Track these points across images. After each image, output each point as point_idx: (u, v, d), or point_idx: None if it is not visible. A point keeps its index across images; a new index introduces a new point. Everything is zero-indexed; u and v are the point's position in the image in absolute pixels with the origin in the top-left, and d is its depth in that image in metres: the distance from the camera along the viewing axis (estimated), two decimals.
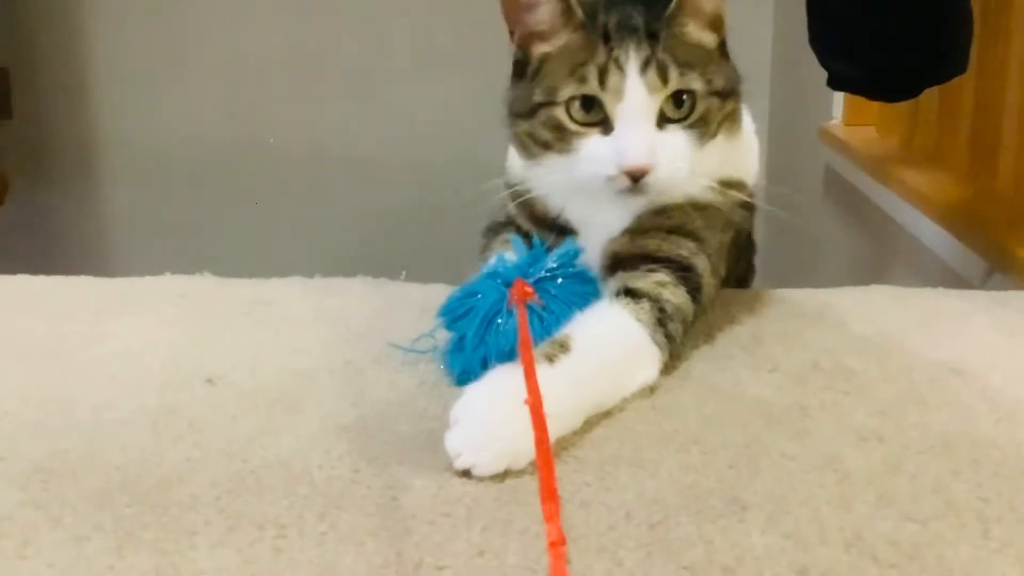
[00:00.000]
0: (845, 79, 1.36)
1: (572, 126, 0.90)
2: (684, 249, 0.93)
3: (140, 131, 2.75)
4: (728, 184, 0.96)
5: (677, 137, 0.89)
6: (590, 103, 0.89)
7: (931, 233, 1.60)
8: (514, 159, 0.99)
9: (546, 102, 0.90)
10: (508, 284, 0.88)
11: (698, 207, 0.95)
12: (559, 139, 0.91)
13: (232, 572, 0.62)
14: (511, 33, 0.94)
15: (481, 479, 0.71)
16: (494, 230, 1.05)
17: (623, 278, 0.91)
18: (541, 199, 0.99)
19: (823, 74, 1.36)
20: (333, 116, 2.71)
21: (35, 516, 0.67)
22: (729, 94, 0.93)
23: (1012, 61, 1.46)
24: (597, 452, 0.75)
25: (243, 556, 0.63)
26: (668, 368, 0.87)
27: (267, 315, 1.05)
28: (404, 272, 1.12)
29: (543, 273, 0.89)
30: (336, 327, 1.00)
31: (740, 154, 1.01)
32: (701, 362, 0.91)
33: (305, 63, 2.69)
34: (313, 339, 0.97)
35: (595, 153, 0.89)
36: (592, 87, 0.88)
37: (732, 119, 0.95)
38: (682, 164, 0.89)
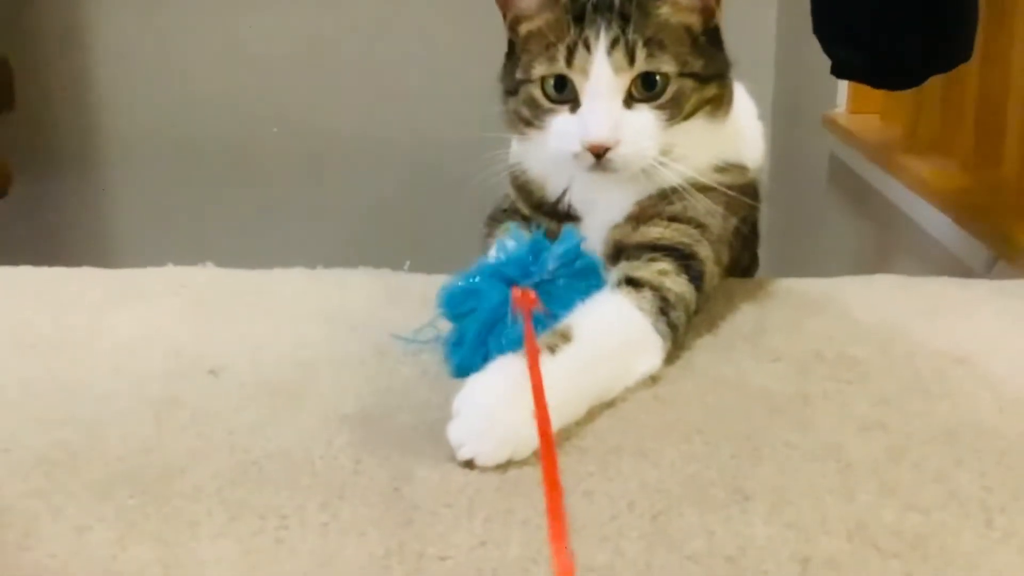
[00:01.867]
0: (849, 67, 1.36)
1: (545, 103, 0.93)
2: (686, 237, 0.93)
3: (142, 121, 2.74)
4: (728, 167, 0.97)
5: (643, 116, 0.91)
6: (562, 82, 0.92)
7: (935, 221, 1.59)
8: (514, 142, 1.00)
9: (524, 80, 0.94)
10: (511, 283, 0.85)
11: (700, 190, 0.95)
12: (535, 116, 0.94)
13: (234, 562, 0.62)
14: (503, 15, 0.98)
15: (483, 470, 0.71)
16: (496, 219, 1.05)
17: (625, 267, 0.91)
18: (539, 184, 1.00)
19: (827, 62, 1.35)
20: (336, 106, 2.71)
21: (37, 506, 0.67)
22: (711, 78, 0.94)
23: (1017, 49, 1.45)
24: (600, 442, 0.75)
25: (245, 546, 0.63)
26: (671, 357, 0.87)
27: (269, 306, 1.05)
28: (408, 263, 1.12)
29: (545, 275, 0.86)
30: (338, 318, 0.99)
31: (739, 138, 1.01)
32: (704, 352, 0.91)
33: (308, 52, 2.68)
34: (315, 330, 0.97)
35: (562, 129, 0.92)
36: (560, 66, 0.91)
37: (716, 103, 0.95)
38: (647, 143, 0.91)
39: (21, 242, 2.61)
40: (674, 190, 0.94)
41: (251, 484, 0.70)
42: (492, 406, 0.73)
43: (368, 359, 0.90)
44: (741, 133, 1.02)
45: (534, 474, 0.69)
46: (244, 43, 2.68)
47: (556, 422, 0.72)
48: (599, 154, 0.90)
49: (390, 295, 1.05)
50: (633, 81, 0.90)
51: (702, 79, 0.93)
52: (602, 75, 0.90)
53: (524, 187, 1.01)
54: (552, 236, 0.92)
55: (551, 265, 0.86)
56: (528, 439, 0.71)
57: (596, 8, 0.91)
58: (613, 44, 0.90)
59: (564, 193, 0.99)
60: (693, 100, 0.92)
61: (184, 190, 2.76)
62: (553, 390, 0.72)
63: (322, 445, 0.74)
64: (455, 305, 0.87)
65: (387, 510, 0.66)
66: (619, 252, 0.94)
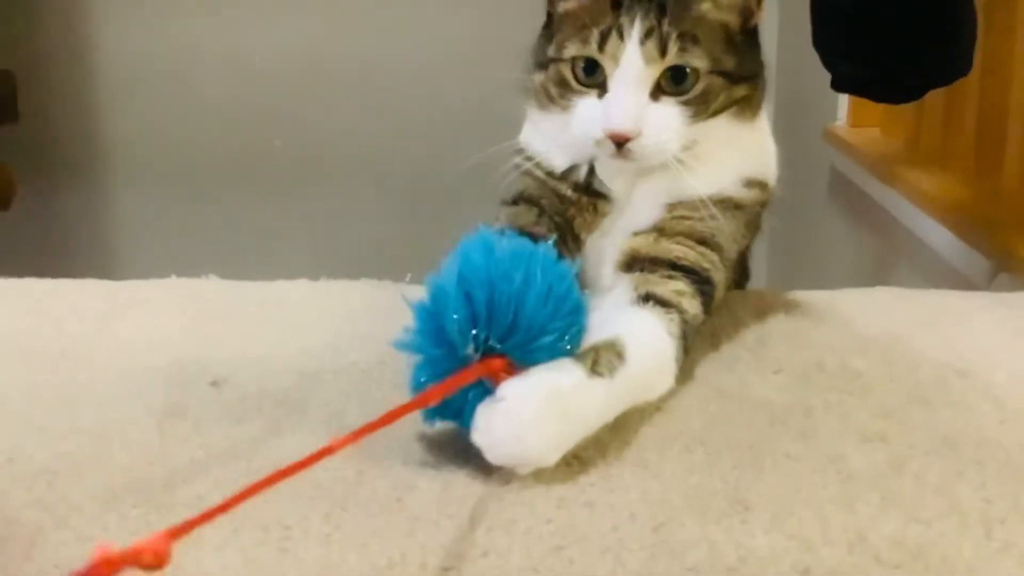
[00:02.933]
0: (849, 81, 1.36)
1: (574, 84, 0.93)
2: (707, 262, 0.92)
3: (146, 134, 2.76)
4: (753, 183, 0.97)
5: (669, 109, 0.90)
6: (592, 66, 0.91)
7: (936, 234, 1.60)
8: (528, 132, 1.00)
9: (556, 58, 0.94)
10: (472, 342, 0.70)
11: (727, 207, 0.94)
12: (562, 95, 0.94)
13: (238, 573, 0.62)
14: None
15: (485, 480, 0.71)
16: (507, 203, 1.02)
17: (644, 280, 0.89)
18: (550, 160, 0.99)
19: (828, 75, 1.36)
20: (339, 119, 2.72)
21: (41, 517, 0.67)
22: (742, 79, 0.93)
23: (1016, 62, 1.46)
24: (601, 453, 0.75)
25: (248, 557, 0.63)
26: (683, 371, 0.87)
27: (272, 317, 1.05)
28: (409, 275, 1.13)
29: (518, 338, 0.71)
30: (341, 329, 1.00)
31: (763, 152, 1.01)
32: (705, 363, 0.91)
33: (311, 65, 2.70)
34: (318, 341, 0.97)
35: (586, 114, 0.92)
36: (592, 50, 0.91)
37: (745, 105, 0.94)
38: (669, 136, 0.90)
39: (25, 253, 2.62)
40: (704, 203, 0.93)
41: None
42: (523, 414, 0.69)
43: (370, 370, 0.90)
44: (764, 147, 1.01)
45: (537, 485, 0.70)
46: (247, 55, 2.69)
47: (571, 442, 0.71)
48: (620, 143, 0.89)
49: (393, 306, 1.05)
50: (663, 73, 0.90)
51: (733, 79, 0.92)
52: (632, 64, 0.89)
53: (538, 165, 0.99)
54: (576, 211, 0.93)
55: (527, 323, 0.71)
56: (556, 448, 0.70)
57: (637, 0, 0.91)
58: (647, 34, 0.89)
59: (584, 169, 0.97)
60: (721, 98, 0.92)
61: (187, 202, 2.76)
62: (604, 410, 0.73)
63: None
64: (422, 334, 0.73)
65: (389, 520, 0.67)
66: (633, 261, 0.92)
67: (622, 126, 0.89)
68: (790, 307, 1.06)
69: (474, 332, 0.70)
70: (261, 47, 2.69)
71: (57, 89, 2.74)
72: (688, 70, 0.90)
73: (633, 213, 0.95)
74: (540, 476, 0.70)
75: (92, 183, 2.80)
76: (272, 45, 2.69)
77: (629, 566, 0.62)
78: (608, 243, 0.95)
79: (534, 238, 0.86)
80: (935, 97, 1.64)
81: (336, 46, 2.69)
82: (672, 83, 0.90)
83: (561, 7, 0.96)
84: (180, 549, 0.64)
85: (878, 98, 1.51)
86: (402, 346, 0.73)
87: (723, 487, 0.70)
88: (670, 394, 0.84)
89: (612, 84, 0.90)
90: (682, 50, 0.89)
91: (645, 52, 0.89)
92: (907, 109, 1.83)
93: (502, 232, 0.85)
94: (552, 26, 0.97)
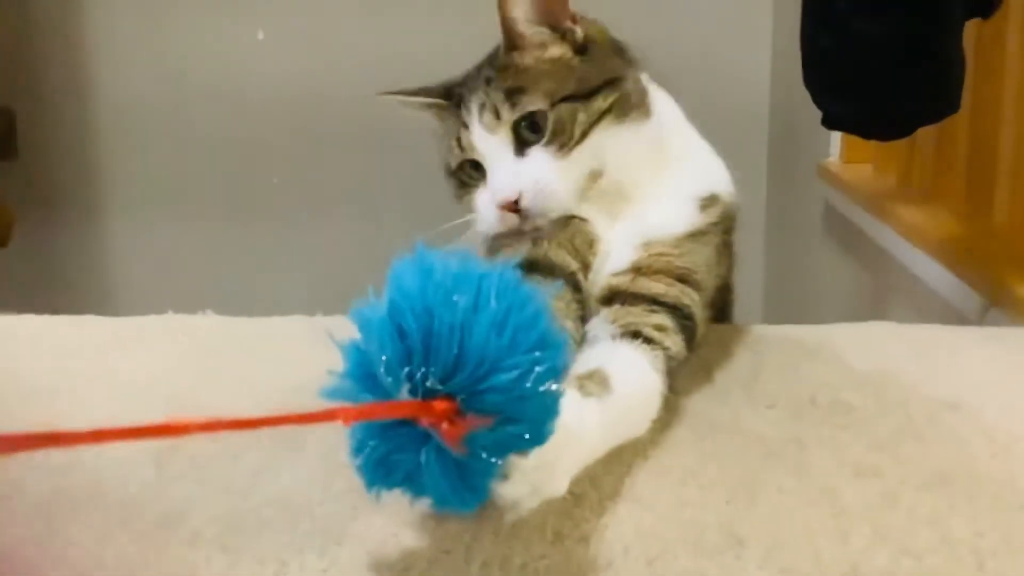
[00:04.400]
0: (839, 119, 1.38)
1: (470, 185, 0.99)
2: (687, 298, 0.93)
3: (143, 170, 2.77)
4: (707, 200, 0.99)
5: (536, 157, 0.94)
6: (475, 164, 0.98)
7: (929, 269, 1.61)
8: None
9: (451, 173, 1.02)
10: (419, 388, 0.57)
11: (695, 238, 0.96)
12: (461, 197, 1.01)
13: None
14: None
15: (480, 515, 0.70)
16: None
17: (626, 313, 0.90)
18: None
19: (820, 113, 1.37)
20: (336, 154, 2.73)
21: (38, 553, 0.67)
22: (599, 89, 0.96)
23: (1006, 98, 1.48)
24: (595, 487, 0.75)
25: None
26: (666, 403, 0.88)
27: (269, 353, 1.06)
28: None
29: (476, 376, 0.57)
30: (336, 364, 1.00)
31: (704, 165, 1.02)
32: (699, 397, 0.92)
33: (308, 101, 2.71)
34: (313, 376, 0.97)
35: (480, 204, 0.98)
36: (457, 154, 0.99)
37: (620, 107, 0.96)
38: (548, 180, 0.94)
39: (23, 290, 2.62)
40: (677, 240, 0.95)
41: (250, 530, 0.70)
42: (548, 464, 0.63)
43: None
44: (702, 160, 1.03)
45: (531, 520, 0.70)
46: (244, 92, 2.71)
47: (571, 471, 0.70)
48: (515, 210, 0.93)
49: None
50: (516, 130, 0.94)
51: (583, 96, 0.95)
52: (483, 141, 0.96)
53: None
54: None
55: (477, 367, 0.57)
56: (568, 475, 0.69)
57: (469, 89, 0.98)
58: (481, 110, 0.95)
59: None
60: (581, 118, 0.94)
61: (184, 237, 2.77)
62: (602, 434, 0.73)
63: (320, 491, 0.75)
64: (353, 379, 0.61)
65: (385, 556, 0.67)
66: (614, 296, 0.93)
67: (504, 194, 0.94)
68: (783, 341, 1.07)
69: (407, 371, 0.57)
70: (258, 83, 2.71)
71: (55, 126, 2.76)
72: (535, 116, 0.94)
73: (613, 255, 0.96)
74: (535, 511, 0.70)
75: (90, 219, 2.81)
76: (269, 81, 2.70)
77: None
78: (590, 283, 0.96)
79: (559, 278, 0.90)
80: (927, 134, 1.66)
81: (333, 82, 2.71)
82: (531, 132, 0.94)
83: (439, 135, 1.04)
84: None
85: (868, 135, 1.52)
86: (330, 394, 0.61)
87: (717, 521, 0.71)
88: (663, 427, 0.85)
89: (487, 167, 0.96)
90: (513, 105, 0.94)
91: (486, 125, 0.95)
92: (900, 146, 1.85)
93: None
94: None
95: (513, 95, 0.94)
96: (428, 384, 0.57)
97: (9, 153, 2.69)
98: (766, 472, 0.78)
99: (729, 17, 2.63)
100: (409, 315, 0.57)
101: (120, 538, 0.69)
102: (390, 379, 0.57)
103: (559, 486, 0.68)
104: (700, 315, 0.94)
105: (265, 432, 0.85)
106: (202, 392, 0.95)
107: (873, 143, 1.99)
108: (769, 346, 1.05)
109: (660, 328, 0.89)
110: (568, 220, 0.96)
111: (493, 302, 0.58)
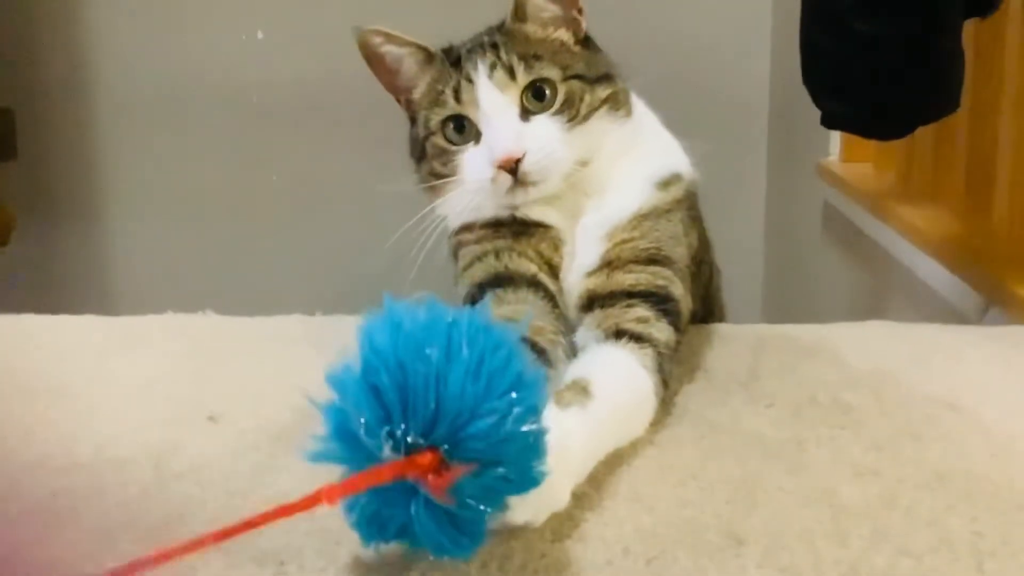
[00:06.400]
0: (838, 118, 1.38)
1: (450, 147, 0.97)
2: (661, 279, 0.94)
3: (143, 170, 2.77)
4: (667, 180, 1.00)
5: (543, 123, 0.95)
6: (460, 123, 0.96)
7: (928, 268, 1.61)
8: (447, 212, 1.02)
9: (427, 134, 0.99)
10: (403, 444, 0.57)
11: (657, 216, 0.97)
12: (445, 164, 0.98)
13: None
14: (398, 101, 1.05)
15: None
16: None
17: (606, 316, 0.91)
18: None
19: (819, 112, 1.37)
20: (336, 154, 2.73)
21: (37, 554, 0.67)
22: (598, 79, 0.98)
23: (1005, 97, 1.48)
24: (595, 487, 0.75)
25: None
26: (665, 403, 0.88)
27: (268, 352, 1.06)
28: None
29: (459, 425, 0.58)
30: (335, 364, 1.00)
31: (659, 143, 1.04)
32: (699, 397, 0.92)
33: (308, 100, 2.71)
34: (314, 376, 0.97)
35: (472, 162, 0.96)
36: (451, 106, 0.96)
37: (613, 102, 0.98)
38: (553, 147, 0.94)
39: (23, 290, 2.62)
40: (636, 218, 0.96)
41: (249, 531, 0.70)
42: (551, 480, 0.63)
43: None
44: (659, 142, 1.05)
45: None
46: (245, 92, 2.71)
47: (569, 484, 0.70)
48: (513, 171, 0.92)
49: None
50: (523, 95, 0.95)
51: (589, 80, 0.97)
52: (490, 98, 0.94)
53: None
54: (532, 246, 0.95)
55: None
56: (563, 493, 0.69)
57: (469, 51, 0.97)
58: (492, 68, 0.95)
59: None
60: (587, 99, 0.96)
61: (184, 237, 2.77)
62: (576, 444, 0.71)
63: None
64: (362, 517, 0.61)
65: (384, 556, 0.67)
66: (592, 302, 0.94)
67: (505, 149, 0.92)
68: (783, 341, 1.07)
69: (387, 430, 0.57)
70: (258, 83, 2.71)
71: (55, 126, 2.76)
72: (544, 84, 0.95)
73: (581, 254, 0.97)
74: None
75: (89, 219, 2.81)
76: (269, 81, 2.70)
77: None
78: (568, 288, 0.97)
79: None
80: (926, 133, 1.65)
81: (333, 81, 2.70)
82: (535, 100, 0.95)
83: (415, 97, 1.02)
84: None
85: (867, 134, 1.52)
86: (315, 457, 0.60)
87: (716, 521, 0.71)
88: (663, 428, 0.85)
89: (483, 125, 0.95)
90: (528, 68, 0.95)
91: (497, 82, 0.94)
92: (899, 145, 1.85)
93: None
94: (415, 119, 1.03)
95: (529, 60, 0.95)
96: (409, 439, 0.57)
97: (9, 153, 2.69)
98: (766, 472, 0.78)
99: (729, 16, 2.63)
100: (383, 372, 0.57)
101: (120, 540, 0.69)
102: (371, 440, 0.57)
103: (561, 499, 0.69)
104: (678, 291, 0.95)
105: (264, 434, 0.85)
106: (202, 392, 0.95)
107: (873, 142, 1.99)
108: (768, 345, 1.05)
109: (642, 320, 0.89)
110: (531, 228, 0.98)
111: (465, 350, 0.58)
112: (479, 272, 0.97)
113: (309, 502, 0.58)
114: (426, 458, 0.57)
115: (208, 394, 0.94)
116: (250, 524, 0.60)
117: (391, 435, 0.57)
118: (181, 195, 2.76)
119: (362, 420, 0.57)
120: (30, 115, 2.73)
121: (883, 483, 0.76)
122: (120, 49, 2.72)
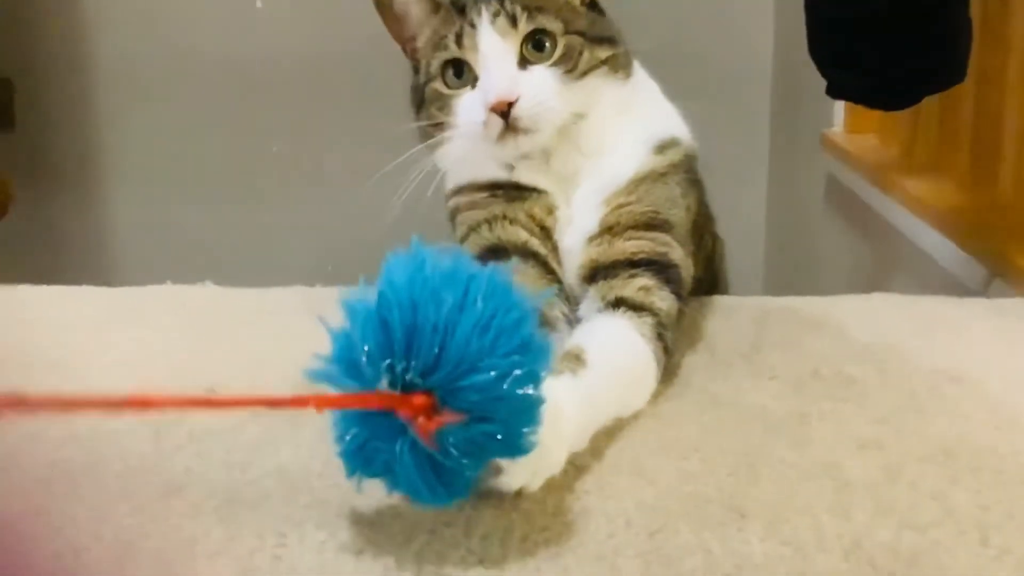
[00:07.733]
0: (844, 88, 1.36)
1: (447, 90, 0.98)
2: (661, 246, 0.94)
3: (142, 141, 2.76)
4: (665, 144, 1.01)
5: (540, 72, 0.95)
6: (460, 68, 0.97)
7: (932, 240, 1.60)
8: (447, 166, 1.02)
9: (427, 80, 0.99)
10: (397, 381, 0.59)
11: (653, 179, 0.98)
12: (441, 108, 0.98)
13: None
14: (404, 51, 1.05)
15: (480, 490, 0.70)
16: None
17: (609, 287, 0.91)
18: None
19: (824, 82, 1.36)
20: (335, 125, 2.72)
21: (34, 526, 0.67)
22: (599, 40, 0.98)
23: (1012, 69, 1.46)
24: (597, 460, 0.75)
25: (243, 565, 0.63)
26: (667, 375, 0.87)
27: (268, 324, 1.05)
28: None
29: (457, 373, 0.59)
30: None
31: (658, 109, 1.05)
32: (701, 370, 0.92)
33: (308, 71, 2.69)
34: (314, 348, 0.97)
35: (466, 105, 0.96)
36: (452, 50, 0.97)
37: (612, 64, 0.99)
38: (548, 96, 0.94)
39: (22, 261, 2.61)
40: (633, 182, 0.96)
41: (249, 503, 0.70)
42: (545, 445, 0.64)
43: None
44: (658, 107, 1.05)
45: (533, 493, 0.69)
46: (244, 62, 2.69)
47: (564, 452, 0.70)
48: (505, 114, 0.92)
49: None
50: (523, 44, 0.95)
51: (590, 38, 0.97)
52: (490, 43, 0.94)
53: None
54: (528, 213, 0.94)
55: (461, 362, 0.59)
56: (559, 457, 0.69)
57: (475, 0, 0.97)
58: (495, 15, 0.95)
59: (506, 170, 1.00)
60: (586, 56, 0.97)
61: (183, 209, 2.76)
62: (568, 410, 0.70)
63: (320, 463, 0.74)
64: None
65: (385, 528, 0.67)
66: (595, 272, 0.94)
67: (498, 92, 0.92)
68: (786, 313, 1.07)
69: (388, 363, 0.58)
70: (258, 54, 2.69)
71: (53, 97, 2.74)
72: (545, 36, 0.95)
73: (579, 220, 0.97)
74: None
75: (88, 190, 2.80)
76: (269, 52, 2.69)
77: (624, 573, 0.62)
78: (570, 258, 0.97)
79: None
80: (931, 105, 1.64)
81: (334, 52, 2.69)
82: (535, 50, 0.95)
83: (419, 44, 1.02)
84: (174, 557, 0.64)
85: (872, 105, 1.51)
86: (314, 376, 0.61)
87: (719, 494, 0.70)
88: (665, 401, 0.84)
89: (480, 69, 0.95)
90: (531, 18, 0.95)
91: (498, 29, 0.94)
92: (904, 116, 1.84)
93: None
94: (418, 68, 1.03)
95: (532, 11, 0.95)
96: (408, 378, 0.58)
97: (7, 124, 2.68)
98: (768, 445, 0.77)
99: None
100: (395, 308, 0.59)
101: (119, 511, 0.69)
102: (371, 369, 0.58)
103: (557, 461, 0.69)
104: (678, 255, 0.95)
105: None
106: (201, 363, 0.94)
107: (877, 113, 1.98)
108: (771, 318, 1.05)
109: (644, 289, 0.89)
110: (524, 192, 0.98)
111: (479, 303, 0.59)
112: (474, 245, 0.98)
113: (298, 402, 0.59)
114: (420, 399, 0.58)
115: (207, 366, 0.94)
116: (217, 403, 0.63)
117: (391, 369, 0.58)
118: (180, 166, 2.74)
119: (365, 348, 0.59)
120: (29, 85, 2.72)
121: (887, 456, 0.76)
122: (119, 19, 2.70)
